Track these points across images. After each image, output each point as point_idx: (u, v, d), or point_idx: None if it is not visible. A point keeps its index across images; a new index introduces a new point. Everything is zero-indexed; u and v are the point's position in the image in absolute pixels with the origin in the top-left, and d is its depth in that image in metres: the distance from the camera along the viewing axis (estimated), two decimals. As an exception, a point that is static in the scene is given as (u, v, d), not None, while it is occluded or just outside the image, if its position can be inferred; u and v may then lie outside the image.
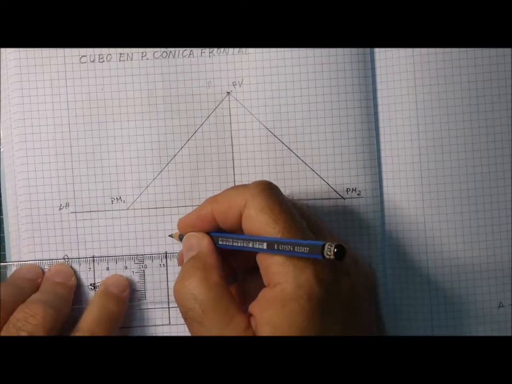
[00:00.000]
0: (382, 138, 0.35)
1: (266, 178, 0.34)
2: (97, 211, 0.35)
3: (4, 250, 0.35)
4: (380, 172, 0.35)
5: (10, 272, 0.34)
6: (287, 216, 0.26)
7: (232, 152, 0.35)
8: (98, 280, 0.34)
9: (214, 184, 0.35)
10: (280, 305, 0.25)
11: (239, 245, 0.28)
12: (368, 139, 0.34)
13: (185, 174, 0.35)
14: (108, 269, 0.34)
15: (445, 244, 0.34)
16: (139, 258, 0.34)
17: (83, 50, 0.34)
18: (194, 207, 0.35)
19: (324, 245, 0.24)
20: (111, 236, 0.34)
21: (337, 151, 0.34)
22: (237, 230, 0.29)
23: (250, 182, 0.29)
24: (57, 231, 0.34)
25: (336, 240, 0.28)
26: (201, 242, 0.29)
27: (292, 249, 0.25)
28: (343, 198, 0.34)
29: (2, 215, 0.35)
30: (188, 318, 0.27)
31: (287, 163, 0.34)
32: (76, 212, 0.35)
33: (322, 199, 0.34)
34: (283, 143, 0.34)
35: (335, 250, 0.24)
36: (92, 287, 0.34)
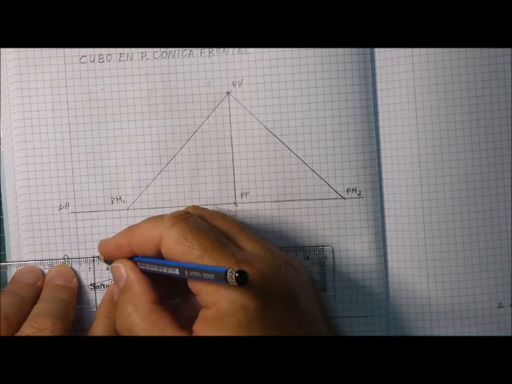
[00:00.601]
0: (382, 138, 0.35)
1: (266, 178, 0.34)
2: (97, 211, 0.35)
3: (4, 250, 0.35)
4: (379, 172, 0.35)
5: (10, 272, 0.34)
6: (202, 240, 0.27)
7: (232, 152, 0.35)
8: (98, 280, 0.34)
9: (214, 184, 0.35)
10: (218, 322, 0.26)
11: (156, 269, 0.29)
12: (368, 139, 0.34)
13: (185, 174, 0.35)
14: (108, 268, 0.34)
15: (445, 244, 0.34)
16: None
17: (83, 50, 0.34)
18: (194, 207, 0.35)
19: (226, 272, 0.25)
20: (111, 236, 0.34)
21: (337, 151, 0.34)
22: (159, 256, 0.29)
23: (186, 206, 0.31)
24: (57, 231, 0.34)
25: (270, 251, 0.29)
26: (127, 272, 0.30)
27: (200, 275, 0.26)
28: (343, 198, 0.34)
29: (2, 215, 0.35)
30: None
31: (287, 163, 0.34)
32: (76, 212, 0.35)
33: (322, 199, 0.34)
34: (283, 143, 0.34)
35: (237, 275, 0.24)
36: (92, 287, 0.34)
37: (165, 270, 0.28)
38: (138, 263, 0.30)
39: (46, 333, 0.29)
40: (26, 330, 0.29)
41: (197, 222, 0.29)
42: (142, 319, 0.28)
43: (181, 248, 0.27)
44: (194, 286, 0.28)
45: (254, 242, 0.29)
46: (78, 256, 0.34)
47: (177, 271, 0.28)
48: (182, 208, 0.34)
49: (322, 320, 0.30)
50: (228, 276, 0.24)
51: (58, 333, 0.30)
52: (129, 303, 0.29)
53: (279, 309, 0.27)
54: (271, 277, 0.27)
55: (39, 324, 0.30)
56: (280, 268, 0.28)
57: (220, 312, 0.26)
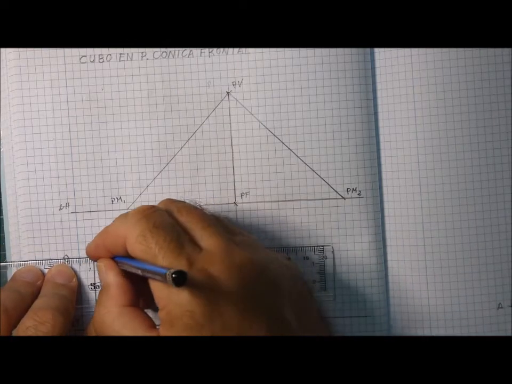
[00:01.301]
0: (382, 138, 0.35)
1: (266, 178, 0.34)
2: (97, 211, 0.35)
3: (4, 250, 0.35)
4: (379, 172, 0.35)
5: (10, 272, 0.34)
6: (159, 239, 0.27)
7: (232, 152, 0.35)
8: (98, 280, 0.34)
9: (214, 184, 0.35)
10: (170, 325, 0.26)
11: (128, 269, 0.29)
12: (368, 139, 0.34)
13: (185, 174, 0.35)
14: (107, 268, 0.34)
15: (444, 244, 0.34)
16: None
17: (83, 50, 0.34)
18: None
19: (166, 274, 0.25)
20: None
21: (337, 151, 0.34)
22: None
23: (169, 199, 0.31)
24: (57, 231, 0.34)
25: (232, 250, 0.28)
26: (108, 272, 0.30)
27: (152, 276, 0.26)
28: (343, 198, 0.34)
29: (2, 215, 0.35)
30: None
31: (287, 163, 0.34)
32: (76, 212, 0.35)
33: (322, 199, 0.34)
34: (283, 143, 0.34)
35: (173, 276, 0.24)
36: (92, 287, 0.34)
37: (133, 270, 0.28)
38: (118, 263, 0.30)
39: (47, 326, 0.29)
40: (27, 322, 0.29)
41: (159, 218, 0.28)
42: (112, 321, 0.28)
43: (140, 247, 0.27)
44: (151, 286, 0.28)
45: (216, 240, 0.28)
46: (78, 256, 0.34)
47: (139, 272, 0.28)
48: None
49: (307, 320, 0.29)
50: (167, 277, 0.24)
51: (59, 326, 0.30)
52: (102, 305, 0.29)
53: (234, 312, 0.26)
54: (226, 280, 0.27)
55: (39, 317, 0.30)
56: (240, 268, 0.27)
57: (170, 315, 0.26)
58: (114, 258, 0.31)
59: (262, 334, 0.26)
